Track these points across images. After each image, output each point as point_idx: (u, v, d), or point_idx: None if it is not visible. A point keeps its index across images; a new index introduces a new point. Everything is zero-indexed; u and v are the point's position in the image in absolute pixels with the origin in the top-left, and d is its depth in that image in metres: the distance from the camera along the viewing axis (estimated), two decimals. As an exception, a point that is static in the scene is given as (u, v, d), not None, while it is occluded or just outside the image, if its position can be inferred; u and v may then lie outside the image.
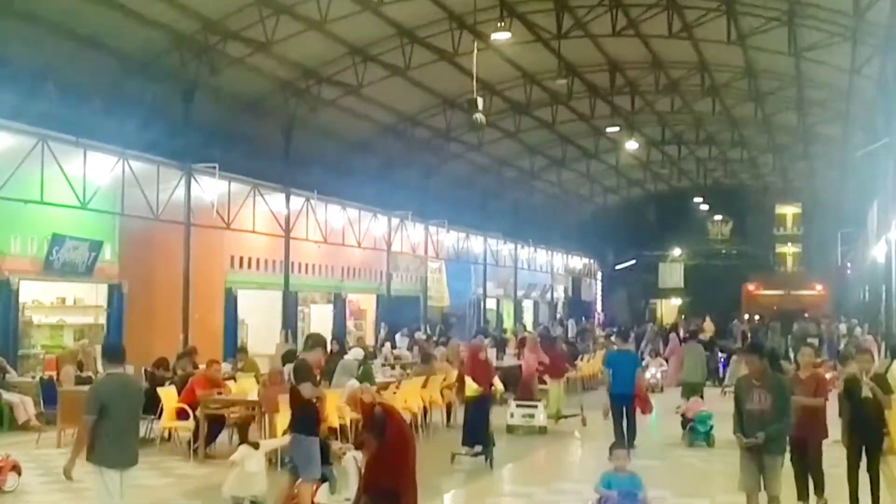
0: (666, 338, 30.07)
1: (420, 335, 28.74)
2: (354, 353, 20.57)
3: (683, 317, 46.94)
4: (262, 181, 24.58)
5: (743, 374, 9.91)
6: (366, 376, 15.54)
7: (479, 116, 20.49)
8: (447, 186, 36.83)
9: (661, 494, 12.00)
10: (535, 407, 17.95)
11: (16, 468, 11.95)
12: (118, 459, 8.22)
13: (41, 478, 12.63)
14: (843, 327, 33.24)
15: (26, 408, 16.84)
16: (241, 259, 25.95)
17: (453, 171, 36.47)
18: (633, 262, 57.66)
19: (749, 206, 55.92)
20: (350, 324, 31.10)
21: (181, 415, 14.75)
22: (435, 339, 27.15)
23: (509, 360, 25.29)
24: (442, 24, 24.00)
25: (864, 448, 10.39)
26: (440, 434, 17.98)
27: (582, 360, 26.99)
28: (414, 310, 34.95)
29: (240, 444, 9.69)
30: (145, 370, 17.20)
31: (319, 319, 29.77)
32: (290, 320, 26.73)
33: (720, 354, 28.12)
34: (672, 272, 58.59)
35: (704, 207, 57.01)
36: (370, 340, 28.21)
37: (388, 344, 27.23)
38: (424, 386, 17.79)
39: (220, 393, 15.15)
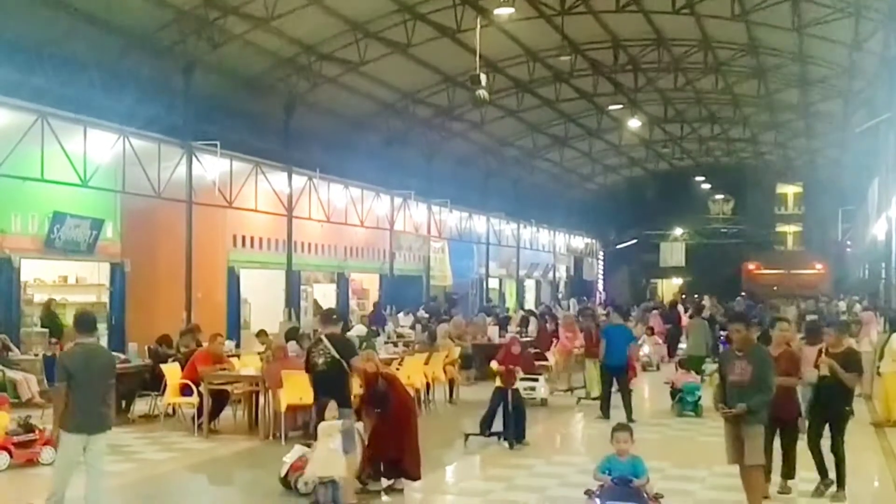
0: (666, 315, 30.13)
1: (422, 313, 28.76)
2: (357, 331, 20.68)
3: (683, 295, 47.02)
4: (264, 159, 24.54)
5: None
6: (368, 353, 15.55)
7: (483, 92, 20.41)
8: (450, 165, 36.77)
9: (660, 465, 12.05)
10: (537, 380, 18.03)
11: (50, 442, 11.95)
12: (83, 425, 8.46)
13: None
14: (842, 304, 33.19)
15: (29, 385, 16.84)
16: (244, 238, 25.92)
17: (456, 149, 36.39)
18: (635, 241, 57.67)
19: (750, 185, 55.83)
20: (353, 303, 31.11)
21: (185, 391, 14.76)
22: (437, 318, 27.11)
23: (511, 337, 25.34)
24: (444, 0, 23.86)
25: (828, 426, 10.23)
26: (443, 409, 18.06)
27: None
28: (417, 289, 34.97)
29: (317, 422, 9.39)
30: (148, 348, 17.19)
31: (322, 298, 29.77)
32: (292, 299, 26.73)
33: (720, 332, 28.14)
34: (673, 251, 58.60)
35: (706, 186, 56.97)
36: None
37: (390, 322, 27.24)
38: (427, 362, 17.81)
39: (223, 369, 15.16)
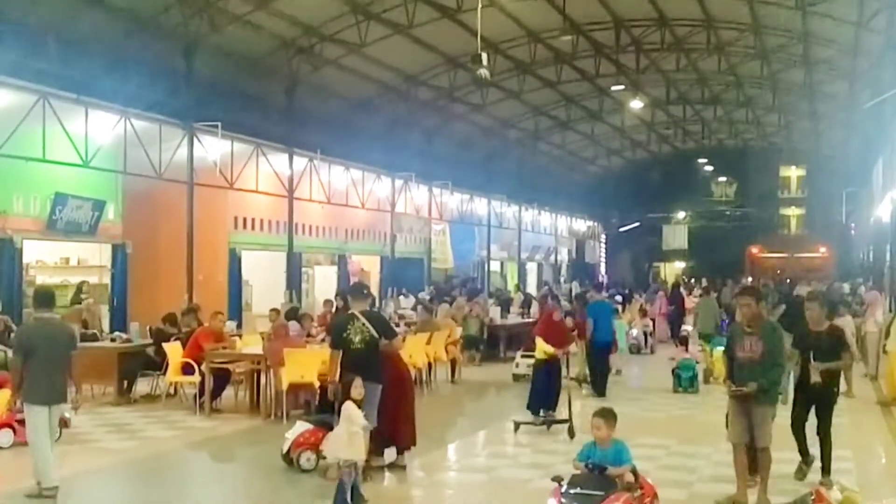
0: (670, 297, 30.16)
1: (424, 295, 28.78)
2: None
3: (685, 278, 47.09)
4: (265, 141, 24.48)
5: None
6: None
7: (484, 72, 20.25)
8: (451, 147, 36.64)
9: (665, 442, 12.05)
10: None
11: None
12: (44, 396, 8.86)
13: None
14: (846, 286, 33.16)
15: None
16: (245, 220, 25.90)
17: (457, 131, 36.27)
18: (638, 224, 57.54)
19: (754, 168, 55.59)
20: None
21: (186, 370, 14.74)
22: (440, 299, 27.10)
23: (514, 319, 25.42)
24: (445, -21, 23.71)
25: (814, 407, 9.84)
26: (445, 389, 18.09)
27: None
28: (418, 271, 34.96)
29: (342, 401, 9.05)
30: (150, 328, 17.18)
31: (323, 280, 29.78)
32: (293, 281, 26.72)
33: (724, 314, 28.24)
34: (676, 234, 58.44)
35: (709, 169, 56.81)
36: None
37: (392, 303, 27.24)
38: (429, 342, 17.80)
39: (224, 347, 15.14)
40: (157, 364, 15.66)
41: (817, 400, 9.78)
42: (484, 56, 20.21)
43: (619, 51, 30.72)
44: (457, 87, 30.65)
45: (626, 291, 36.51)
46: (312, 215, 28.38)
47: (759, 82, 35.06)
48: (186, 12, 21.04)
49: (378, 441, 10.22)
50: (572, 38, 29.02)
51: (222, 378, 14.86)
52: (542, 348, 13.96)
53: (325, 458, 10.08)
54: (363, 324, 9.95)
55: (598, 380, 16.85)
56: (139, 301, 22.11)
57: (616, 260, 59.42)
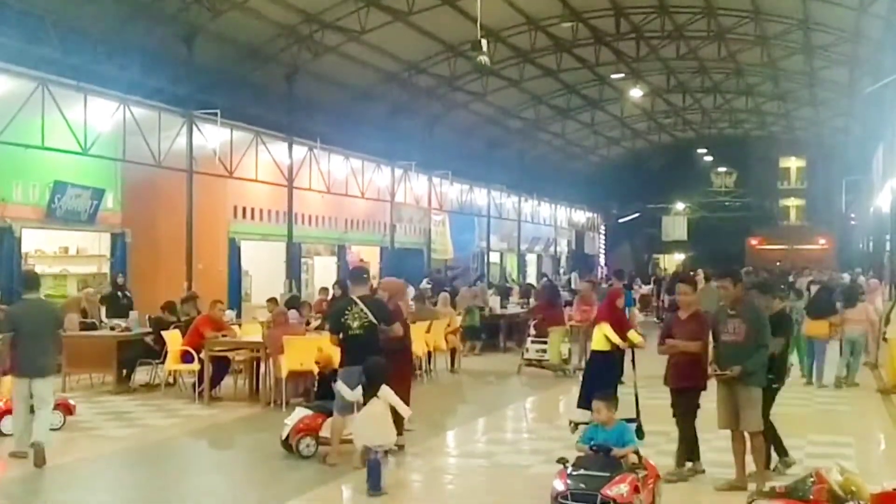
0: (668, 286, 30.15)
1: (425, 284, 28.69)
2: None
3: (683, 268, 47.11)
4: (265, 129, 24.40)
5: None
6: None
7: (484, 58, 20.14)
8: (451, 137, 36.56)
9: (665, 429, 11.99)
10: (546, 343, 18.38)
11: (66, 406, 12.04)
12: (27, 370, 9.79)
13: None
14: (846, 276, 33.12)
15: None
16: (245, 209, 25.85)
17: (457, 120, 36.16)
18: (637, 215, 57.47)
19: (754, 157, 55.56)
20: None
21: (186, 358, 14.68)
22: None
23: (513, 309, 25.36)
24: (444, -34, 23.63)
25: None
26: (445, 377, 18.06)
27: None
28: (418, 262, 34.88)
29: (371, 384, 9.09)
30: (149, 317, 17.11)
31: (323, 271, 29.72)
32: (293, 271, 26.66)
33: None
34: (676, 225, 58.40)
35: (709, 159, 56.70)
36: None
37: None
38: (428, 331, 17.76)
39: (224, 335, 15.09)
40: (157, 353, 15.59)
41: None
42: (484, 42, 20.12)
43: (619, 38, 30.65)
44: (457, 75, 30.54)
45: (626, 282, 36.41)
46: (312, 205, 28.31)
47: (760, 70, 34.96)
48: (187, -1, 20.97)
49: None
50: (572, 26, 28.91)
51: (222, 366, 14.80)
52: (607, 336, 12.30)
53: (324, 443, 10.08)
54: (361, 309, 9.91)
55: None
56: (138, 290, 22.01)
57: (616, 251, 59.33)
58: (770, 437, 9.31)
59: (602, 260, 58.20)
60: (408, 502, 8.78)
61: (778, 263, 49.43)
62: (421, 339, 17.09)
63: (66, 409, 12.02)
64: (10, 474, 9.79)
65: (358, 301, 10.02)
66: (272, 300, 18.80)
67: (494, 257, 43.30)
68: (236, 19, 22.51)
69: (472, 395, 16.66)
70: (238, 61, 24.37)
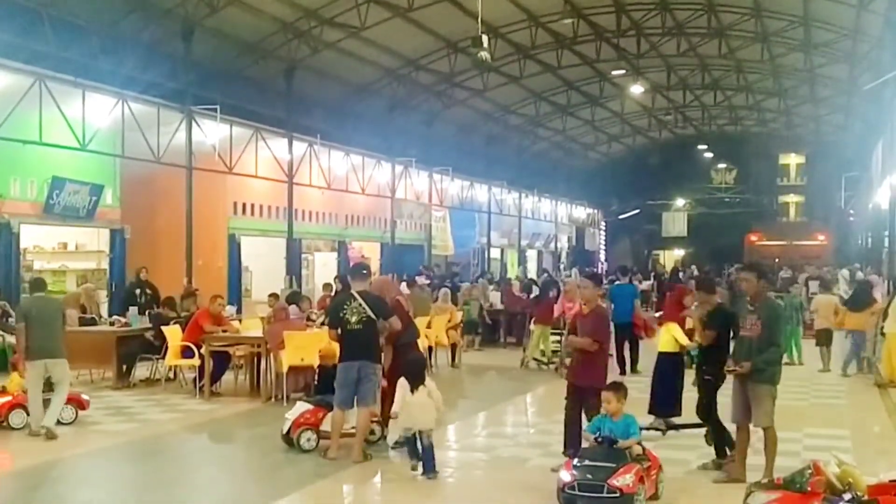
0: (669, 281, 30.24)
1: (423, 280, 28.68)
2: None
3: (682, 265, 47.16)
4: (265, 125, 24.38)
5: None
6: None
7: (484, 54, 20.15)
8: (451, 133, 36.57)
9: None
10: (562, 334, 18.51)
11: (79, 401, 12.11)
12: (39, 352, 11.16)
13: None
14: (845, 272, 33.14)
15: (30, 350, 16.80)
16: (244, 205, 25.86)
17: (457, 117, 36.18)
18: (637, 211, 57.44)
19: (753, 154, 55.48)
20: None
21: (186, 353, 14.68)
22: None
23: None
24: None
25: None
26: (446, 372, 18.06)
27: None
28: (418, 258, 34.89)
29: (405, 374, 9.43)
30: (149, 313, 17.10)
31: (323, 267, 29.73)
32: (293, 267, 26.66)
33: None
34: (676, 221, 58.35)
35: (709, 155, 56.67)
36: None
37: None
38: (429, 326, 17.75)
39: (224, 330, 15.09)
40: (157, 348, 15.58)
41: (700, 383, 9.69)
42: (484, 38, 20.11)
43: (620, 35, 30.66)
44: (457, 71, 30.55)
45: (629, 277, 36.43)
46: (312, 201, 28.32)
47: (760, 67, 34.96)
48: (183, -8, 20.97)
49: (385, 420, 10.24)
50: (573, 22, 28.92)
51: (222, 362, 14.80)
52: (675, 337, 11.45)
53: (325, 437, 10.09)
54: (360, 304, 9.90)
55: (618, 362, 16.98)
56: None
57: (616, 247, 59.35)
58: (714, 434, 9.44)
59: (602, 256, 58.20)
60: (409, 495, 8.78)
61: (777, 260, 49.47)
62: (421, 334, 17.11)
63: (79, 404, 12.07)
64: (8, 469, 9.81)
65: (357, 296, 10.01)
66: (273, 295, 18.79)
67: (495, 253, 43.32)
68: (234, 14, 22.51)
69: (472, 389, 16.69)
70: (237, 57, 24.38)
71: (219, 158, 22.62)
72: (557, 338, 18.29)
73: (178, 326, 15.29)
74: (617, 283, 19.80)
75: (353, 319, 9.88)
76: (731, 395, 9.04)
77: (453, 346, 18.99)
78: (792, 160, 57.52)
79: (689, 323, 11.55)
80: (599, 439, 7.98)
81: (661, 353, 11.59)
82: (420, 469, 9.19)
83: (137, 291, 19.06)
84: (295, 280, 26.03)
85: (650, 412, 11.21)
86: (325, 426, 10.18)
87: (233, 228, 25.19)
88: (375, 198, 31.09)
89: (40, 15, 18.36)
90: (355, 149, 28.74)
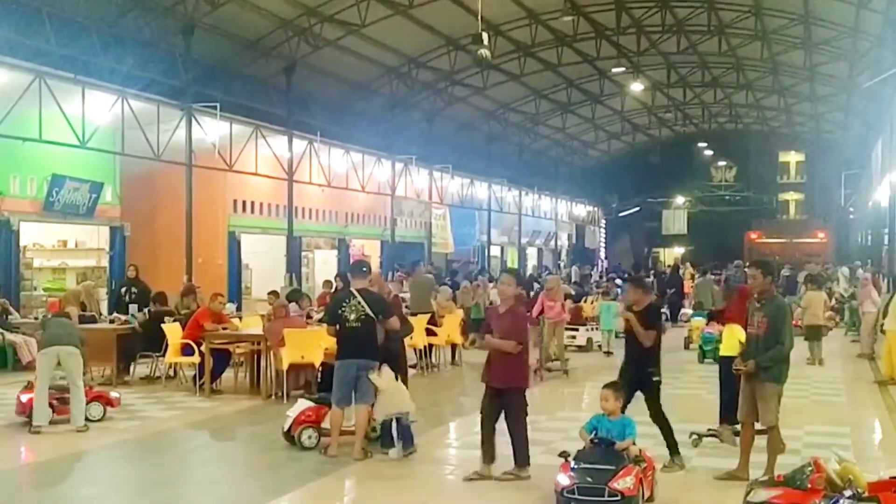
0: (669, 278, 30.30)
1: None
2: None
3: (681, 262, 47.20)
4: (264, 122, 24.37)
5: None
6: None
7: (485, 51, 20.13)
8: (451, 131, 36.57)
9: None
10: (577, 329, 20.65)
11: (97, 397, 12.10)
12: (48, 342, 11.49)
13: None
14: (845, 270, 33.19)
15: (30, 348, 16.80)
16: (245, 203, 25.85)
17: (458, 114, 36.17)
18: (638, 209, 57.47)
19: (754, 151, 55.55)
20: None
21: (186, 351, 14.67)
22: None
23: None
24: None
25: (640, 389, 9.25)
26: (446, 370, 18.07)
27: (585, 301, 27.04)
28: (418, 255, 34.86)
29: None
30: (147, 311, 17.09)
31: (323, 265, 29.73)
32: (293, 265, 26.66)
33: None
34: (676, 219, 58.34)
35: (709, 153, 56.69)
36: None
37: (393, 286, 27.08)
38: (437, 324, 17.79)
39: (225, 328, 15.08)
40: (157, 345, 15.54)
41: (640, 383, 9.27)
42: (485, 36, 20.09)
43: (620, 32, 30.64)
44: (457, 69, 30.54)
45: (626, 275, 36.49)
46: (312, 199, 28.31)
47: (760, 65, 34.94)
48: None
49: None
50: (573, 20, 28.90)
51: (222, 359, 14.79)
52: (733, 342, 10.44)
53: (326, 435, 10.10)
54: (359, 302, 9.87)
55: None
56: (139, 283, 22.06)
57: (616, 245, 59.37)
58: (664, 433, 9.26)
59: (602, 253, 58.22)
60: (409, 493, 8.78)
61: (777, 258, 49.46)
62: (421, 332, 17.06)
63: (107, 402, 12.08)
64: (6, 467, 9.80)
65: (356, 294, 9.98)
66: (273, 293, 18.79)
67: (495, 251, 43.32)
68: (235, 12, 22.50)
69: (472, 387, 16.60)
70: (237, 54, 24.38)
71: (219, 156, 22.62)
72: (573, 333, 19.65)
73: (177, 324, 15.29)
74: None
75: (352, 317, 9.85)
76: (740, 393, 9.01)
77: (453, 344, 18.99)
78: (792, 158, 57.55)
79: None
80: (596, 440, 7.79)
81: (723, 357, 10.72)
82: (396, 452, 9.61)
83: (123, 290, 19.03)
84: (295, 278, 26.03)
85: (722, 421, 10.53)
86: (327, 424, 10.16)
87: (233, 226, 25.19)
88: (375, 195, 31.09)
89: (40, 12, 18.36)
90: (355, 146, 28.73)
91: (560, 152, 48.79)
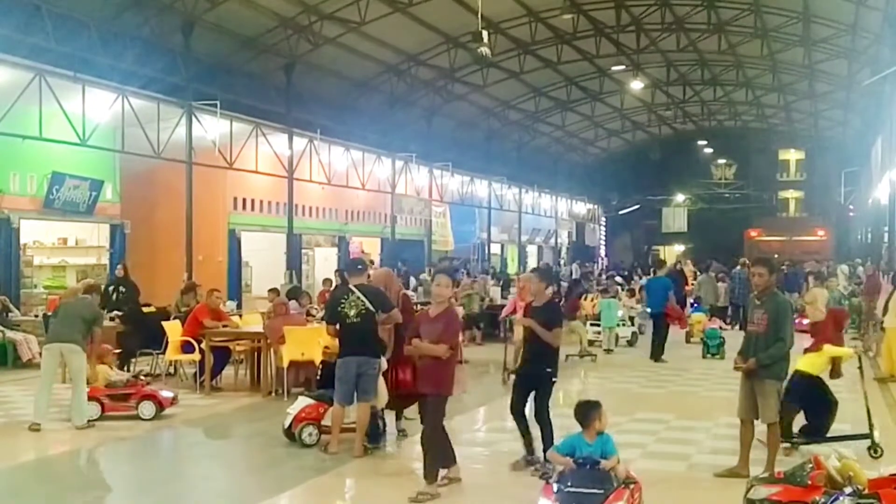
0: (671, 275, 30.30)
1: (425, 276, 28.70)
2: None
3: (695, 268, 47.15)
4: (264, 120, 24.38)
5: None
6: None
7: (485, 49, 20.15)
8: (451, 128, 36.57)
9: (664, 417, 12.02)
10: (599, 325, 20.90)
11: (149, 396, 12.05)
12: (51, 338, 11.63)
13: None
14: (844, 267, 33.20)
15: (30, 346, 16.86)
16: (245, 201, 25.87)
17: (457, 112, 36.17)
18: (637, 207, 57.48)
19: (753, 149, 55.58)
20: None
21: (186, 348, 14.67)
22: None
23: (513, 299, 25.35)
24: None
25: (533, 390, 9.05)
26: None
27: (585, 298, 27.04)
28: (418, 253, 34.93)
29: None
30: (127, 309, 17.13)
31: (324, 262, 29.74)
32: (294, 263, 26.68)
33: None
34: (675, 217, 58.38)
35: (708, 151, 56.69)
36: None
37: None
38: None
39: (225, 325, 15.08)
40: (155, 342, 15.55)
41: (533, 382, 9.09)
42: (484, 33, 20.11)
43: (620, 30, 30.64)
44: (457, 67, 30.54)
45: (626, 273, 36.65)
46: (312, 196, 28.32)
47: (759, 62, 34.94)
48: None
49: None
50: (573, 17, 28.89)
51: (222, 356, 14.80)
52: (832, 357, 10.29)
53: (326, 432, 10.10)
54: (358, 297, 9.86)
55: (653, 346, 18.44)
56: (138, 282, 22.00)
57: (616, 242, 59.40)
58: (545, 435, 8.92)
59: (602, 251, 58.26)
60: (409, 490, 8.78)
61: (776, 256, 49.46)
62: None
63: (159, 402, 11.97)
64: (8, 464, 9.81)
65: (355, 290, 9.98)
66: (273, 290, 18.80)
67: (495, 248, 43.35)
68: (234, 10, 22.48)
69: (473, 384, 16.61)
70: (237, 52, 24.36)
71: (219, 154, 22.64)
72: (597, 328, 20.33)
73: (178, 322, 15.30)
74: (656, 276, 20.86)
75: (352, 313, 9.84)
76: (739, 390, 9.02)
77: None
78: (791, 156, 57.57)
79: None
80: (580, 460, 6.98)
81: (811, 377, 10.08)
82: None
83: (111, 289, 19.02)
84: (295, 275, 26.04)
85: (789, 437, 9.83)
86: (327, 421, 10.17)
87: (233, 224, 25.20)
88: (375, 193, 31.12)
89: (40, 10, 18.34)
90: (355, 144, 28.75)
91: (560, 150, 48.78)
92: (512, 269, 41.88)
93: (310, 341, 13.39)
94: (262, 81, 25.60)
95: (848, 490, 6.46)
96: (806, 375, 9.97)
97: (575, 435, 7.19)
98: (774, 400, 8.70)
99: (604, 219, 58.79)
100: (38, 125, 17.47)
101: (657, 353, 18.19)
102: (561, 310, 9.76)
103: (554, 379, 9.11)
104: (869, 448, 9.54)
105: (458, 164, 35.24)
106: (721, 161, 58.34)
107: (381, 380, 9.95)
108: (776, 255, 48.76)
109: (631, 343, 21.45)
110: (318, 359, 13.29)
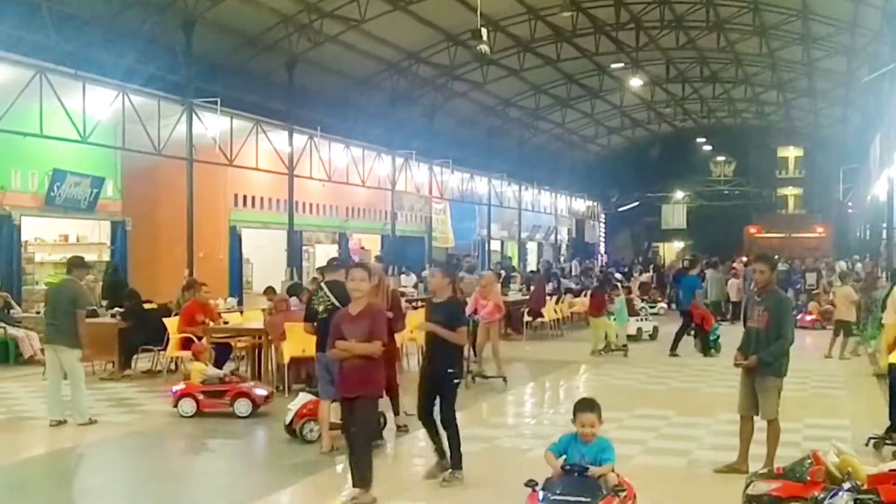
0: (674, 273, 30.44)
1: (427, 272, 28.77)
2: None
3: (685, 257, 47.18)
4: (265, 117, 24.41)
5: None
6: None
7: (484, 47, 20.21)
8: (451, 125, 36.60)
9: (664, 413, 12.07)
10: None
11: (243, 394, 11.98)
12: (45, 339, 11.88)
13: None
14: (842, 263, 33.25)
15: (31, 342, 16.90)
16: (245, 198, 25.91)
17: (458, 109, 36.21)
18: (637, 204, 57.49)
19: (753, 146, 55.58)
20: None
21: (187, 345, 14.70)
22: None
23: (514, 296, 25.40)
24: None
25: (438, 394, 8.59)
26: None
27: (585, 295, 27.11)
28: (418, 250, 34.97)
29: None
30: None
31: (324, 259, 29.70)
32: (294, 259, 26.72)
33: None
34: (675, 214, 58.36)
35: (708, 148, 56.71)
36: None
37: (393, 280, 27.23)
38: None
39: (225, 322, 15.13)
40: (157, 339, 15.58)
41: (436, 384, 8.62)
42: (484, 31, 20.15)
43: (619, 28, 30.66)
44: (457, 64, 30.58)
45: (626, 269, 36.74)
46: (313, 193, 28.36)
47: (758, 60, 34.97)
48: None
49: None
50: (572, 15, 28.92)
51: (223, 353, 14.84)
52: None
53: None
54: (325, 293, 10.03)
55: (676, 337, 19.04)
56: (139, 279, 22.06)
57: (615, 239, 59.42)
58: (453, 442, 8.54)
59: (602, 248, 58.29)
60: (408, 485, 8.84)
61: (777, 256, 49.49)
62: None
63: (252, 400, 11.90)
64: (11, 460, 9.86)
65: (323, 286, 10.18)
66: (270, 289, 18.83)
67: (495, 245, 43.40)
68: (235, 7, 22.52)
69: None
70: (238, 49, 24.39)
71: (219, 151, 22.68)
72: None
73: (178, 319, 15.33)
74: (687, 275, 21.14)
75: (321, 309, 9.98)
76: (739, 386, 9.06)
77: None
78: (790, 153, 57.58)
79: None
80: (567, 466, 6.63)
81: (892, 365, 10.15)
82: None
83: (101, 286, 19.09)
84: (296, 272, 26.09)
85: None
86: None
87: (234, 220, 25.24)
88: (376, 190, 31.16)
89: (40, 7, 18.36)
90: (356, 141, 28.78)
91: (560, 147, 48.81)
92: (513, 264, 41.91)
93: (311, 338, 13.37)
94: (263, 79, 25.64)
95: (847, 486, 6.48)
96: None
97: (571, 435, 6.91)
98: (775, 396, 8.74)
99: (603, 215, 58.81)
100: (39, 122, 17.50)
101: (674, 346, 18.84)
102: (463, 307, 9.17)
103: (457, 381, 8.62)
104: None
105: (458, 161, 35.28)
106: (720, 158, 58.32)
107: None
108: (777, 256, 48.93)
109: (653, 337, 22.04)
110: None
